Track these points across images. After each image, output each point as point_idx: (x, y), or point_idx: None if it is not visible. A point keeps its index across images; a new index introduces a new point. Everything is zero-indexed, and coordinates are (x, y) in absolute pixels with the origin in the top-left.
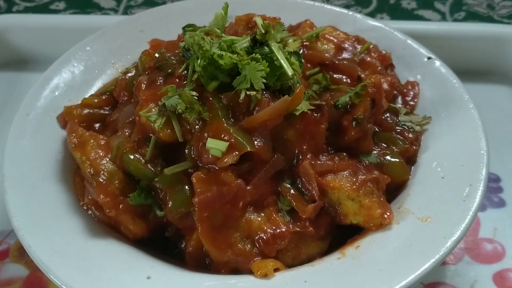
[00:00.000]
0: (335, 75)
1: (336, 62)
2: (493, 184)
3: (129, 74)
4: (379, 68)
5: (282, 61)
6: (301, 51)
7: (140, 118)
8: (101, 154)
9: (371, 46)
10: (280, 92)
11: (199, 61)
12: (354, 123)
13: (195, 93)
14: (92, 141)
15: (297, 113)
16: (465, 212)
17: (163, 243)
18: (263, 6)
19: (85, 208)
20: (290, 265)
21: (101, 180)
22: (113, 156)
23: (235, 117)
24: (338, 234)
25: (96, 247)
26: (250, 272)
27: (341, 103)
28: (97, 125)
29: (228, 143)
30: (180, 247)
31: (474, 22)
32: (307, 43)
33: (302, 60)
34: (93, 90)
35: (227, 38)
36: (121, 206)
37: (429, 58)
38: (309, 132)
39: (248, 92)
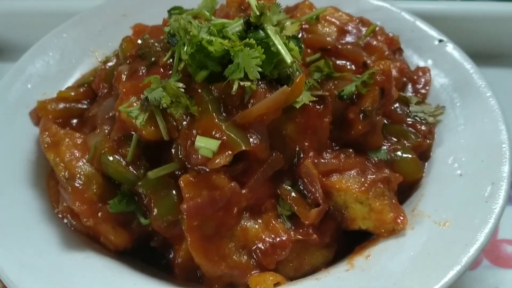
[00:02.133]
0: (338, 62)
1: (339, 46)
2: None
3: (110, 64)
4: (387, 52)
5: (279, 47)
6: (300, 35)
7: (120, 114)
8: (77, 155)
9: (377, 28)
10: (278, 82)
11: (185, 48)
12: (361, 115)
13: (181, 84)
14: (67, 140)
15: (298, 106)
16: (488, 215)
17: (148, 254)
18: None
19: (60, 216)
20: (291, 278)
21: (77, 185)
22: (90, 157)
23: (228, 111)
24: (345, 241)
25: (72, 261)
26: (247, 287)
27: (346, 94)
28: (74, 121)
29: (220, 141)
30: (168, 258)
31: (487, 1)
32: (306, 26)
33: (302, 45)
34: (70, 82)
35: (217, 22)
36: (100, 214)
37: (440, 41)
38: (311, 127)
39: (241, 83)
